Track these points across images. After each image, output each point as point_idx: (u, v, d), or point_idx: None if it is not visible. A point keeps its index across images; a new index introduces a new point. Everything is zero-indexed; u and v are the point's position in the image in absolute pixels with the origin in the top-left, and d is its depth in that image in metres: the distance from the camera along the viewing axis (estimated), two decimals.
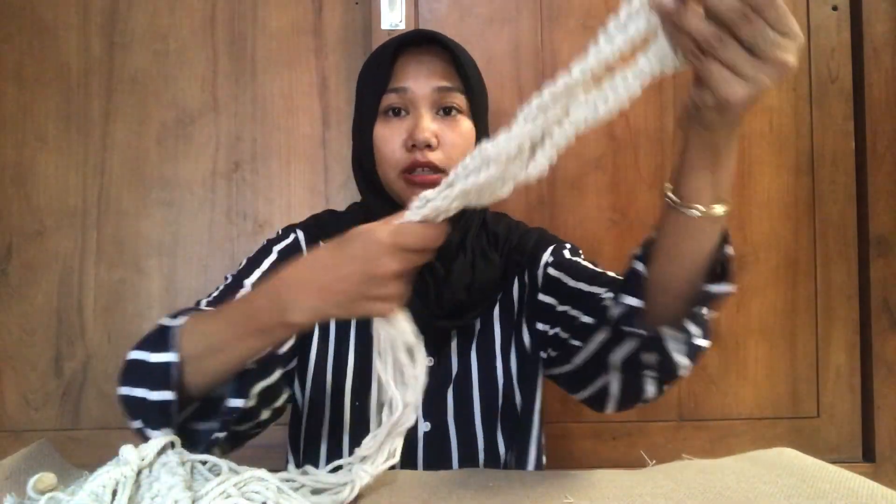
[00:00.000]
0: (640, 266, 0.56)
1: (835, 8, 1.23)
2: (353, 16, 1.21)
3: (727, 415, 1.22)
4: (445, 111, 0.75)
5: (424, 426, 0.78)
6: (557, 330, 0.72)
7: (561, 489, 0.57)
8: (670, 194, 0.51)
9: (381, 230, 0.51)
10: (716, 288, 0.52)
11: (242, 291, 0.70)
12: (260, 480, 0.44)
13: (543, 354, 0.78)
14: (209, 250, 1.20)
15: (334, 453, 0.77)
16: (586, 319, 0.64)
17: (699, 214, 0.50)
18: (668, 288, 0.54)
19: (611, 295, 0.61)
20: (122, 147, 1.19)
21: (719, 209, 0.50)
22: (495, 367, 0.80)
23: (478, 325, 0.81)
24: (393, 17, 1.16)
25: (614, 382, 0.62)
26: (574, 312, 0.69)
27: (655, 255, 0.54)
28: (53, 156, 1.18)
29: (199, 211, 1.20)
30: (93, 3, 1.19)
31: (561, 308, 0.72)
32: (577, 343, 0.64)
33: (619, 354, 0.58)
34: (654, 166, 1.21)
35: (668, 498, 0.54)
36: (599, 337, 0.60)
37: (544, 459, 0.85)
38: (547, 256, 0.79)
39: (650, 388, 0.60)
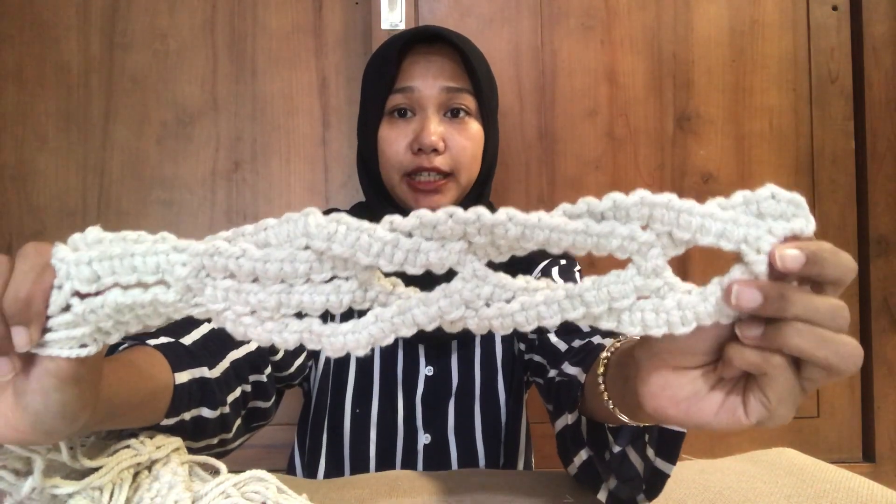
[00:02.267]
0: (573, 370, 0.54)
1: (835, 8, 1.23)
2: (353, 16, 1.21)
3: None
4: (453, 113, 0.72)
5: (424, 438, 0.75)
6: (532, 355, 0.72)
7: (561, 489, 0.57)
8: (604, 392, 0.44)
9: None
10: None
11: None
12: (260, 480, 0.44)
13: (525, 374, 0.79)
14: None
15: (334, 460, 0.76)
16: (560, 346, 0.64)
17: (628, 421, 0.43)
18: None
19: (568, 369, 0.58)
20: (122, 147, 1.19)
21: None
22: (496, 382, 0.78)
23: (478, 338, 0.78)
24: (393, 17, 1.16)
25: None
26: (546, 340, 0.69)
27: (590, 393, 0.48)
28: (53, 156, 1.18)
29: (198, 211, 1.20)
30: (93, 3, 1.19)
31: (532, 335, 0.73)
32: (548, 365, 0.65)
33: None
34: (654, 166, 1.21)
35: (668, 497, 0.54)
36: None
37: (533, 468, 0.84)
38: (537, 273, 0.76)
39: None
